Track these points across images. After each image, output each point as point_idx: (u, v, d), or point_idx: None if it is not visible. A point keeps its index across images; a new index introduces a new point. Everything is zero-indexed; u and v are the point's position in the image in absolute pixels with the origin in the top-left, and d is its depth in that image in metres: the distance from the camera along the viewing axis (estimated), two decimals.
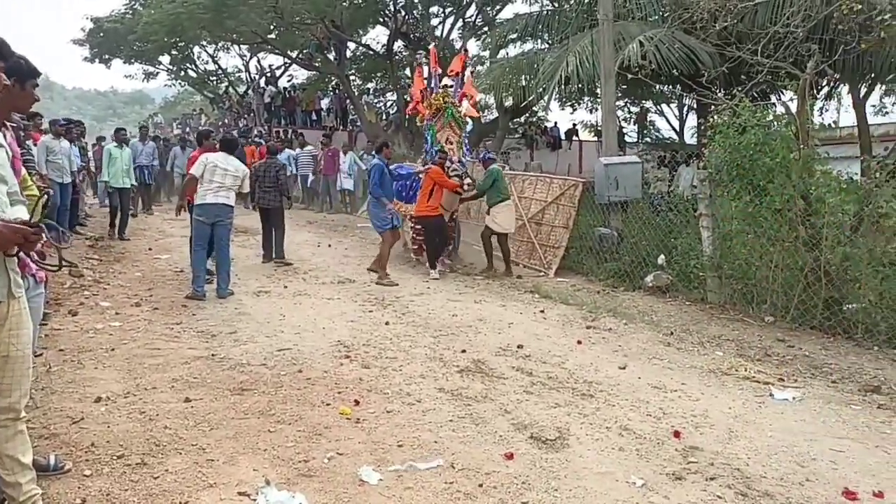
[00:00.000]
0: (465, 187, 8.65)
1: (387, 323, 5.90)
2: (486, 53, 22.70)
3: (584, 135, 25.81)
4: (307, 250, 9.89)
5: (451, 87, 9.40)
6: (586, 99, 21.10)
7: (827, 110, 14.72)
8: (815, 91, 11.27)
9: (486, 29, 22.42)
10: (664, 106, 22.30)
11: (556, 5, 16.74)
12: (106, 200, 11.66)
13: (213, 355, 4.82)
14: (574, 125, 26.10)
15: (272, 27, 20.96)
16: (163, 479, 2.98)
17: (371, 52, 24.37)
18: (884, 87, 13.49)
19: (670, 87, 16.56)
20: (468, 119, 9.68)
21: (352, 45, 24.13)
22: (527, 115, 22.03)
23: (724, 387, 4.51)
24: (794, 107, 7.37)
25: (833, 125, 12.58)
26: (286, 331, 5.55)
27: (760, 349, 5.38)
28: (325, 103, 24.80)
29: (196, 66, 28.55)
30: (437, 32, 23.33)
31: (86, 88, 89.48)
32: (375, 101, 26.80)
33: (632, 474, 3.16)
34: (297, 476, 3.07)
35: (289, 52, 23.74)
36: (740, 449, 3.48)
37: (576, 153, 24.57)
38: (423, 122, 9.55)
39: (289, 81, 27.29)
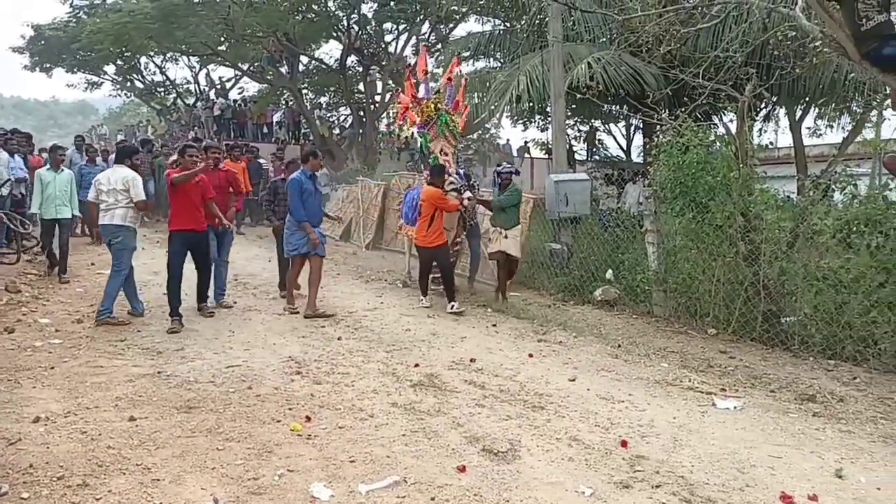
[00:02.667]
0: (466, 202, 7.76)
1: (339, 338, 5.86)
2: (440, 71, 22.98)
3: (536, 152, 26.27)
4: (258, 265, 9.73)
5: (442, 92, 8.49)
6: (537, 117, 21.53)
7: (766, 131, 15.41)
8: (753, 113, 11.80)
9: (439, 46, 22.69)
10: (612, 125, 22.92)
11: (508, 25, 17.10)
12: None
13: (158, 373, 4.69)
14: (526, 142, 26.55)
15: (223, 39, 20.67)
16: (106, 501, 2.89)
17: (324, 67, 24.31)
18: (818, 110, 14.21)
19: (618, 107, 17.07)
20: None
21: (304, 59, 24.02)
22: (479, 131, 22.32)
23: (669, 397, 4.65)
24: (734, 128, 7.73)
25: (770, 146, 13.17)
26: (235, 347, 5.45)
27: (703, 360, 5.57)
28: (276, 117, 24.55)
29: (143, 76, 27.92)
30: (391, 49, 23.49)
31: (25, 97, 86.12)
32: (328, 115, 26.70)
33: (581, 483, 3.22)
34: (246, 494, 3.02)
35: (240, 65, 23.44)
36: (684, 457, 3.60)
37: (527, 170, 24.96)
38: (412, 131, 8.67)
39: (240, 94, 26.96)
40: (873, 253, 5.51)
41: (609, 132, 22.51)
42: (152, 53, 24.88)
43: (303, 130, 23.85)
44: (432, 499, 3.04)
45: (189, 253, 6.36)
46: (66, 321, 6.07)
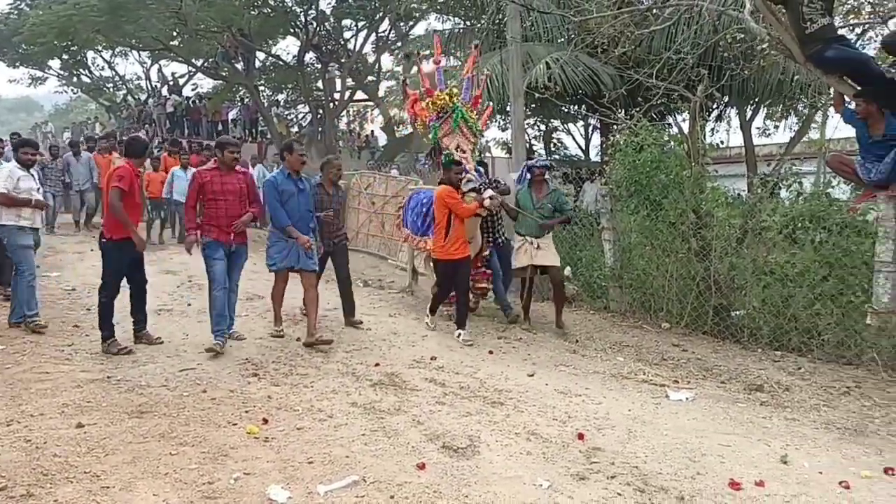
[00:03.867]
0: (487, 203, 6.09)
1: (298, 339, 5.79)
2: (400, 69, 22.94)
3: (497, 151, 26.44)
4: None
5: (461, 85, 7.20)
6: (498, 116, 21.70)
7: (718, 131, 15.85)
8: (706, 113, 12.13)
9: (399, 44, 22.63)
10: (571, 125, 23.24)
11: (468, 24, 17.16)
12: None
13: (108, 378, 4.56)
14: (486, 142, 26.69)
15: (175, 34, 20.16)
16: None
17: (282, 63, 23.96)
18: (766, 111, 14.68)
19: (576, 107, 17.32)
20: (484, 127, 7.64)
21: (261, 55, 23.63)
22: None
23: (624, 390, 4.75)
24: (686, 127, 7.92)
25: (720, 145, 13.53)
26: (189, 350, 5.33)
27: (657, 354, 5.70)
28: (232, 114, 24.10)
29: (90, 71, 27.05)
30: (351, 46, 23.32)
31: None
32: (287, 112, 26.34)
33: (538, 476, 3.27)
34: (200, 499, 2.96)
35: (193, 61, 22.91)
36: (638, 448, 3.68)
37: (489, 169, 25.10)
38: (423, 125, 7.28)
39: (193, 90, 26.36)
40: (817, 248, 5.73)
41: (568, 132, 22.82)
42: (100, 48, 24.14)
43: (260, 128, 23.47)
44: (391, 497, 3.04)
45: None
46: (6, 326, 5.83)
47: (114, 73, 27.57)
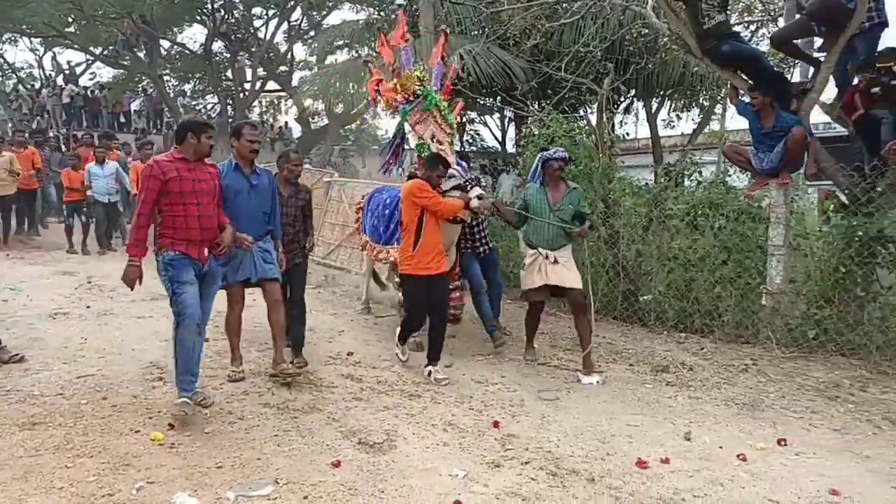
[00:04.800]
0: (475, 204, 4.80)
1: (207, 339, 5.53)
2: (314, 59, 22.44)
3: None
4: (114, 265, 9.00)
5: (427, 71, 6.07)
6: None
7: (626, 123, 16.46)
8: (614, 105, 12.56)
9: (312, 33, 22.11)
10: (488, 117, 23.53)
11: (383, 14, 16.98)
12: None
13: None
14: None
15: (70, 20, 18.83)
16: None
17: (188, 52, 22.90)
18: (671, 103, 15.36)
19: (491, 99, 17.53)
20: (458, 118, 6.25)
21: (165, 43, 22.48)
22: (357, 122, 22.04)
23: (539, 377, 4.86)
24: (595, 119, 8.18)
25: (626, 136, 14.05)
26: (88, 355, 5.00)
27: (570, 340, 5.85)
28: (135, 105, 22.83)
29: None
30: (261, 35, 22.59)
31: None
32: (194, 103, 25.23)
33: (454, 467, 3.29)
34: None
35: (91, 48, 21.50)
36: (552, 432, 3.77)
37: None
38: (388, 106, 6.04)
39: (91, 80, 24.75)
40: (716, 234, 6.05)
41: (485, 123, 23.07)
42: None
43: (165, 119, 22.36)
44: (305, 497, 2.97)
45: None
46: None
47: (2, 60, 25.50)
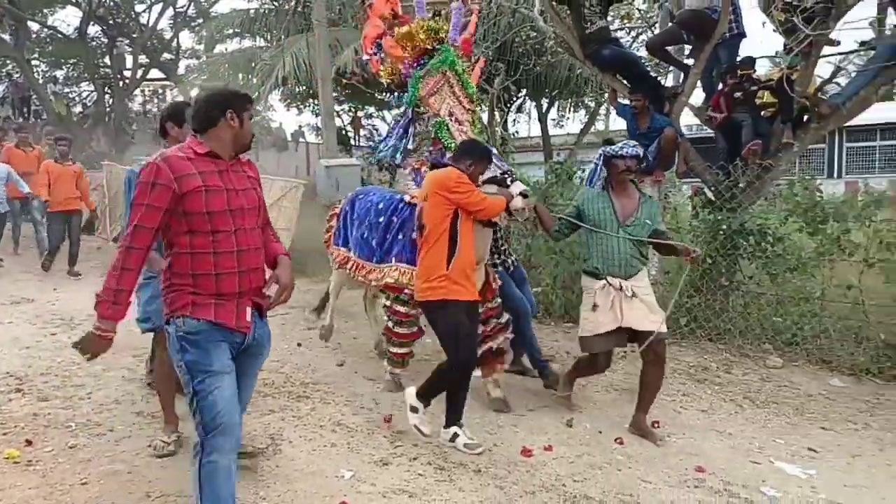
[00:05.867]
0: (520, 203, 3.68)
1: (55, 333, 5.12)
2: (202, 47, 21.41)
3: (311, 137, 25.83)
4: None
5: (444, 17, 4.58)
6: (312, 101, 21.19)
7: (518, 122, 17.00)
8: (506, 104, 12.90)
9: (200, 21, 21.08)
10: (386, 111, 23.45)
11: (276, 4, 16.46)
12: None
13: None
14: (300, 127, 25.95)
15: None
16: None
17: (60, 35, 21.13)
18: (559, 103, 15.98)
19: (389, 94, 17.50)
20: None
21: (34, 26, 20.62)
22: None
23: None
24: (486, 117, 8.34)
25: (515, 135, 14.48)
26: None
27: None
28: None
29: None
30: (144, 20, 21.25)
31: None
32: (67, 90, 23.31)
33: (341, 468, 3.23)
34: None
35: None
36: (442, 427, 3.78)
37: (303, 155, 24.43)
38: (391, 72, 4.62)
39: None
40: None
41: (383, 119, 22.96)
42: None
43: (33, 107, 20.52)
44: None
45: None
46: None
47: None
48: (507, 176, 3.79)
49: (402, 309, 4.20)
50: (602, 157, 3.87)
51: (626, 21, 11.15)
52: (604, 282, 3.73)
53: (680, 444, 3.72)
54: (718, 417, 4.17)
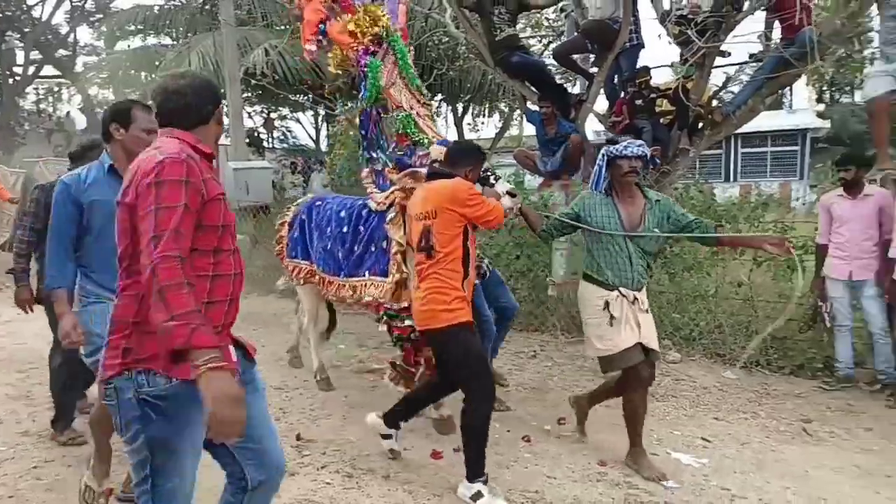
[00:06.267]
0: (509, 203, 3.39)
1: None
2: (102, 44, 20.28)
3: (223, 139, 24.97)
4: None
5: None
6: (223, 102, 20.54)
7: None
8: None
9: (100, 17, 19.97)
10: (301, 114, 23.00)
11: (182, 2, 15.83)
12: None
13: None
14: None
15: None
16: None
17: None
18: (475, 108, 16.22)
19: (303, 96, 17.18)
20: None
21: None
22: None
23: (342, 378, 4.82)
24: None
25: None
26: None
27: (377, 338, 5.90)
28: None
29: None
30: (36, 14, 19.91)
31: None
32: None
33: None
34: None
35: None
36: (350, 434, 3.76)
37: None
38: (342, 60, 4.17)
39: None
40: (511, 230, 6.47)
41: (298, 120, 22.51)
42: None
43: None
44: None
45: None
46: None
47: None
48: (489, 174, 3.45)
49: (400, 324, 3.78)
50: (604, 158, 3.39)
51: (537, 29, 11.48)
52: (616, 293, 3.33)
53: (585, 439, 3.84)
54: (619, 413, 4.30)
